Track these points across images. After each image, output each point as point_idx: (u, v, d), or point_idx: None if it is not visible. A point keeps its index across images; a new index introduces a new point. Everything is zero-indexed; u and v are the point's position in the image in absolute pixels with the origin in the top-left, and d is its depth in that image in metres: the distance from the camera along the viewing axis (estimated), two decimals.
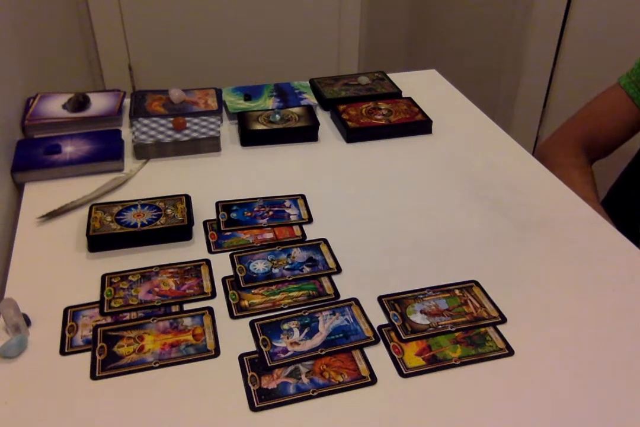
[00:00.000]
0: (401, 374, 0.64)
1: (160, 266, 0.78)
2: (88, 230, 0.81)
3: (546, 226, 0.87)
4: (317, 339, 0.68)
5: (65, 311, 0.71)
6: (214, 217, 0.88)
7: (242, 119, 1.08)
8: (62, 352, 0.66)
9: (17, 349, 0.65)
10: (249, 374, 0.63)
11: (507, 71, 2.06)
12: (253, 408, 0.60)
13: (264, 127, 1.06)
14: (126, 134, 1.06)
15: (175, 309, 0.72)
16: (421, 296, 0.74)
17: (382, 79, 1.25)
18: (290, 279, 0.76)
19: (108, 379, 0.63)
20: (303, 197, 0.92)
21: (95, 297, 0.73)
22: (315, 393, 0.62)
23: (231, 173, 0.98)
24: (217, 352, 0.66)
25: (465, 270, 0.78)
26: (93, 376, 0.63)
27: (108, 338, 0.68)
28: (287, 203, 0.90)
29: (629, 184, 1.16)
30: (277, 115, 1.07)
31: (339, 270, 0.78)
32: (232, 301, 0.73)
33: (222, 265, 0.79)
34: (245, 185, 0.94)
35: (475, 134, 1.10)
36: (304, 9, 2.31)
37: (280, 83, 1.22)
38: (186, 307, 0.72)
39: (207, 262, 0.79)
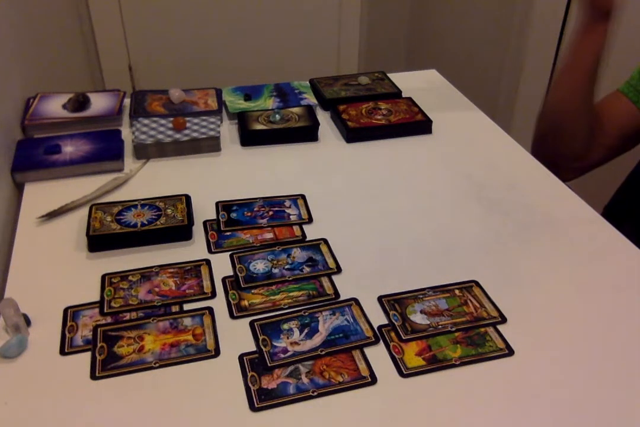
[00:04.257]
0: (401, 374, 0.64)
1: (160, 266, 0.78)
2: (88, 230, 0.81)
3: (546, 226, 0.87)
4: (317, 339, 0.68)
5: (65, 311, 0.71)
6: (214, 217, 0.88)
7: (242, 119, 1.08)
8: (62, 352, 0.66)
9: (17, 349, 0.65)
10: (249, 374, 0.63)
11: (507, 71, 2.06)
12: (253, 408, 0.60)
13: (264, 127, 1.06)
14: (126, 134, 1.06)
15: (175, 309, 0.72)
16: (421, 296, 0.74)
17: (382, 79, 1.25)
18: (290, 279, 0.76)
19: (108, 379, 0.63)
20: (303, 197, 0.92)
21: (95, 297, 0.73)
22: (315, 393, 0.62)
23: (231, 173, 0.98)
24: (217, 352, 0.66)
25: (465, 270, 0.78)
26: (93, 376, 0.63)
27: (108, 338, 0.68)
28: (287, 203, 0.90)
29: (634, 188, 1.15)
30: (277, 115, 1.07)
31: (339, 270, 0.78)
32: (232, 301, 0.73)
33: (222, 265, 0.79)
34: (245, 185, 0.94)
35: (475, 134, 1.10)
36: (304, 9, 2.31)
37: (280, 83, 1.22)
38: (186, 307, 0.72)
39: (207, 262, 0.79)
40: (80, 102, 1.09)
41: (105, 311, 0.71)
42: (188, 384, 0.63)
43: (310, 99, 1.17)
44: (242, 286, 0.75)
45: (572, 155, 1.11)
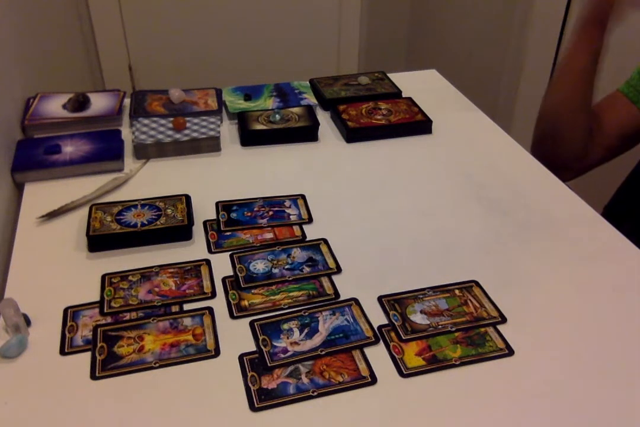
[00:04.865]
0: (401, 374, 0.64)
1: (160, 266, 0.78)
2: (88, 230, 0.81)
3: (546, 225, 0.87)
4: (317, 339, 0.68)
5: (65, 311, 0.71)
6: (214, 217, 0.88)
7: (242, 119, 1.08)
8: (62, 352, 0.66)
9: (17, 349, 0.65)
10: (249, 374, 0.63)
11: (507, 71, 2.06)
12: (253, 408, 0.60)
13: (264, 127, 1.06)
14: (126, 134, 1.06)
15: (175, 309, 0.72)
16: (421, 296, 0.74)
17: (382, 79, 1.25)
18: (290, 279, 0.76)
19: (108, 379, 0.63)
20: (303, 197, 0.92)
21: (95, 297, 0.73)
22: (315, 393, 0.62)
23: (231, 173, 0.98)
24: (217, 352, 0.66)
25: (465, 270, 0.78)
26: (93, 376, 0.63)
27: (108, 338, 0.68)
28: (287, 203, 0.90)
29: (634, 188, 1.15)
30: (277, 115, 1.07)
31: (339, 270, 0.78)
32: (232, 301, 0.73)
33: (222, 265, 0.79)
34: (245, 185, 0.94)
35: (475, 134, 1.10)
36: (304, 9, 2.31)
37: (280, 83, 1.22)
38: (186, 307, 0.72)
39: (207, 262, 0.79)
40: (80, 102, 1.09)
41: (105, 311, 0.71)
42: (188, 384, 0.63)
43: (310, 99, 1.17)
44: (242, 286, 0.75)
45: (571, 156, 1.11)
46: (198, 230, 0.85)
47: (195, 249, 0.82)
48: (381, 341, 0.68)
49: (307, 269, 0.78)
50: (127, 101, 1.15)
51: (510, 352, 0.67)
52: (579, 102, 1.05)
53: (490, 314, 0.71)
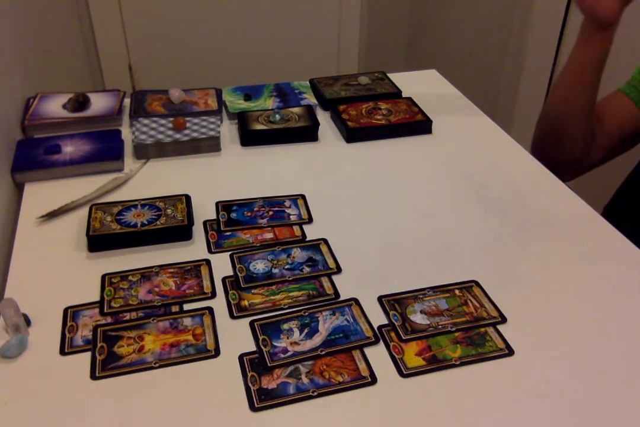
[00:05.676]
0: (401, 374, 0.64)
1: (160, 266, 0.78)
2: (88, 230, 0.81)
3: (546, 226, 0.87)
4: (317, 339, 0.68)
5: (65, 311, 0.71)
6: (214, 217, 0.88)
7: (242, 119, 1.08)
8: (62, 352, 0.66)
9: (17, 349, 0.65)
10: (249, 374, 0.63)
11: (507, 71, 2.07)
12: (253, 408, 0.60)
13: (264, 127, 1.06)
14: (126, 134, 1.06)
15: (175, 309, 0.72)
16: (421, 296, 0.74)
17: (382, 79, 1.25)
18: (290, 279, 0.76)
19: (108, 379, 0.63)
20: (303, 197, 0.92)
21: (95, 297, 0.73)
22: (315, 393, 0.62)
23: (231, 173, 0.98)
24: (217, 352, 0.66)
25: (465, 270, 0.78)
26: (93, 376, 0.63)
27: (108, 338, 0.68)
28: (287, 203, 0.90)
29: (634, 188, 1.15)
30: (277, 115, 1.07)
31: (339, 270, 0.78)
32: (232, 301, 0.73)
33: (222, 265, 0.79)
34: (245, 185, 0.94)
35: (475, 134, 1.10)
36: (304, 8, 2.31)
37: (280, 83, 1.22)
38: (186, 307, 0.72)
39: (207, 262, 0.79)
40: (80, 102, 1.09)
41: (105, 311, 0.71)
42: (188, 384, 0.63)
43: (310, 99, 1.17)
44: (242, 286, 0.75)
45: (572, 157, 1.11)
46: (198, 230, 0.85)
47: (195, 249, 0.82)
48: (381, 341, 0.68)
49: (307, 269, 0.78)
50: (127, 101, 1.15)
51: (510, 352, 0.67)
52: (580, 103, 1.05)
53: (490, 314, 0.71)
